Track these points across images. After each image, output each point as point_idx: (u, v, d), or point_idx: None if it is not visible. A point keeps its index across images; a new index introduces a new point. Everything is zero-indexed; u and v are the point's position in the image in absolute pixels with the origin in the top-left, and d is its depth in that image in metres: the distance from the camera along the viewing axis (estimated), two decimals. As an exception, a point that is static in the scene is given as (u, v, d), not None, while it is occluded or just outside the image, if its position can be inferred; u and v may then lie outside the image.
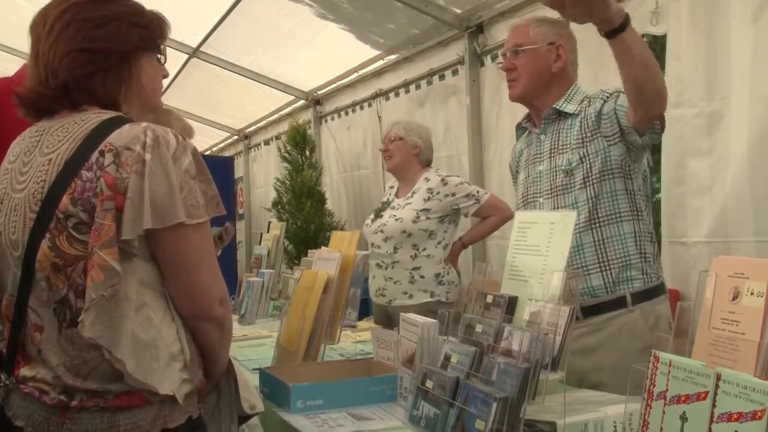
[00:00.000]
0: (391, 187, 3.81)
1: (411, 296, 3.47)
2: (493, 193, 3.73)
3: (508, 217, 3.55)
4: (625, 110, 2.08)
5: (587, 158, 2.20)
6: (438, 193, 3.50)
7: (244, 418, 1.64)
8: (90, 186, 1.34)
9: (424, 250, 3.47)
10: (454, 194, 3.50)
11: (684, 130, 2.90)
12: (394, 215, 3.53)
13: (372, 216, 3.72)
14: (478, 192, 3.55)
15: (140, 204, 1.32)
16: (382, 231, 3.53)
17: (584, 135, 2.22)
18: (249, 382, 1.68)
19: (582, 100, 2.29)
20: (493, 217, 3.58)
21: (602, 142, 2.18)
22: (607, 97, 2.19)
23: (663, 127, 2.11)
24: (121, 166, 1.34)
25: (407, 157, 3.68)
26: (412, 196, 3.56)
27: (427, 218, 3.46)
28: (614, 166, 2.18)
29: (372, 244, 3.57)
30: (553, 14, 2.22)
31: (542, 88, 2.32)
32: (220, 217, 1.50)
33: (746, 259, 1.29)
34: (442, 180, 3.54)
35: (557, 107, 2.30)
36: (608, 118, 2.16)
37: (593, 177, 2.19)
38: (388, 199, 3.73)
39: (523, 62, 2.30)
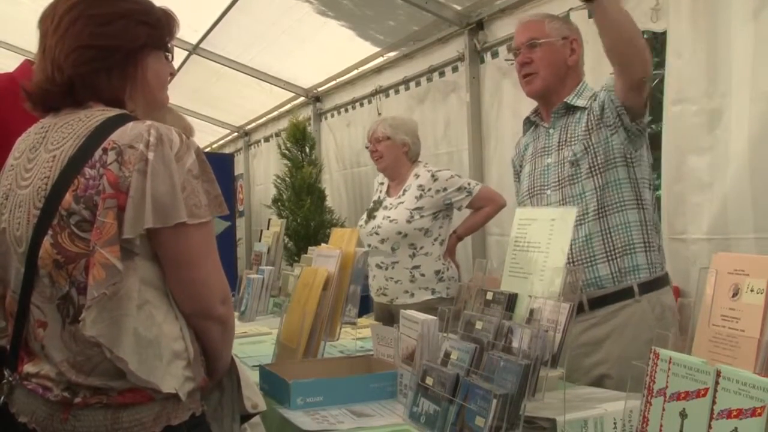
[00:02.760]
0: (381, 184, 3.75)
1: (412, 295, 3.45)
2: (490, 185, 3.73)
3: (501, 206, 3.55)
4: (614, 90, 2.14)
5: (591, 148, 2.23)
6: (429, 189, 3.45)
7: (245, 417, 1.65)
8: (93, 183, 1.34)
9: (421, 248, 3.44)
10: (445, 189, 3.45)
11: (684, 126, 2.90)
12: (388, 216, 3.48)
13: (365, 217, 3.66)
14: (469, 184, 3.50)
15: (142, 203, 1.32)
16: (377, 233, 3.49)
17: (590, 127, 2.25)
18: (251, 381, 1.68)
19: (591, 95, 2.33)
20: (486, 208, 3.54)
21: (605, 132, 2.22)
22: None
23: (643, 114, 2.18)
24: (123, 164, 1.34)
25: (397, 156, 3.62)
26: (403, 194, 3.52)
27: (421, 216, 3.43)
28: (617, 154, 2.21)
29: (368, 245, 3.54)
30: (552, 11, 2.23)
31: (559, 81, 2.35)
32: (223, 215, 1.50)
33: (746, 255, 1.30)
34: (432, 175, 3.48)
35: (568, 101, 2.33)
36: (607, 106, 2.19)
37: (598, 166, 2.22)
38: (379, 197, 3.68)
39: (541, 55, 2.32)
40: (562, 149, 2.31)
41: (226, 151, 9.11)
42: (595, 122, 2.23)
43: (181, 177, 1.35)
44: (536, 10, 3.59)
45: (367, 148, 3.79)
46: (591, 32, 3.31)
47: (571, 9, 3.41)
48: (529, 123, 2.53)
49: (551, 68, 2.32)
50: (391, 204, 3.55)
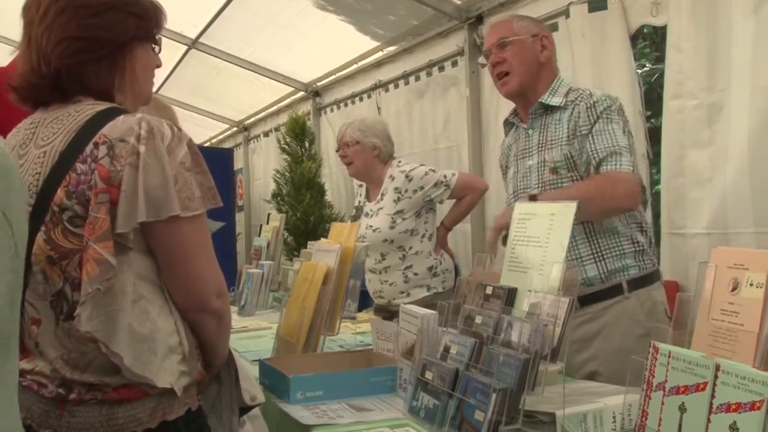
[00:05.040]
0: (360, 186, 3.70)
1: (408, 294, 3.41)
2: (489, 182, 3.70)
3: (483, 191, 3.54)
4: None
5: (572, 158, 2.22)
6: (406, 191, 3.38)
7: (244, 410, 1.65)
8: (84, 179, 1.33)
9: (410, 248, 3.39)
10: (422, 187, 3.37)
11: (684, 121, 2.90)
12: (371, 225, 3.42)
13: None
14: (445, 177, 3.40)
15: (135, 197, 1.31)
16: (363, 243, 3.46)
17: (571, 133, 2.23)
18: (250, 374, 1.68)
19: (567, 92, 2.31)
20: (467, 197, 3.49)
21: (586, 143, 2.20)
22: (597, 118, 2.20)
23: None
24: (115, 158, 1.33)
25: (368, 159, 3.51)
26: (381, 199, 3.45)
27: (403, 219, 3.37)
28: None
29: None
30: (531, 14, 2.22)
31: (534, 78, 2.33)
32: (219, 209, 1.49)
33: (746, 250, 1.30)
34: (406, 176, 3.39)
35: (543, 101, 2.31)
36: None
37: (580, 177, 2.21)
38: (359, 203, 3.63)
39: (512, 54, 2.31)
40: (542, 151, 2.30)
41: (226, 145, 9.09)
42: (577, 132, 2.21)
43: (173, 170, 1.34)
44: (534, 5, 3.59)
45: (337, 152, 3.71)
46: (590, 28, 3.34)
47: (570, 3, 3.41)
48: (509, 124, 2.52)
49: (524, 66, 2.31)
50: (371, 210, 3.48)
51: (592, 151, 2.18)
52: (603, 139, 2.17)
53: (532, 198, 2.08)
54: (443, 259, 3.49)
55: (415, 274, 3.42)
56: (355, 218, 3.58)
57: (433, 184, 3.39)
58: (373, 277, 3.51)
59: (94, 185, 1.32)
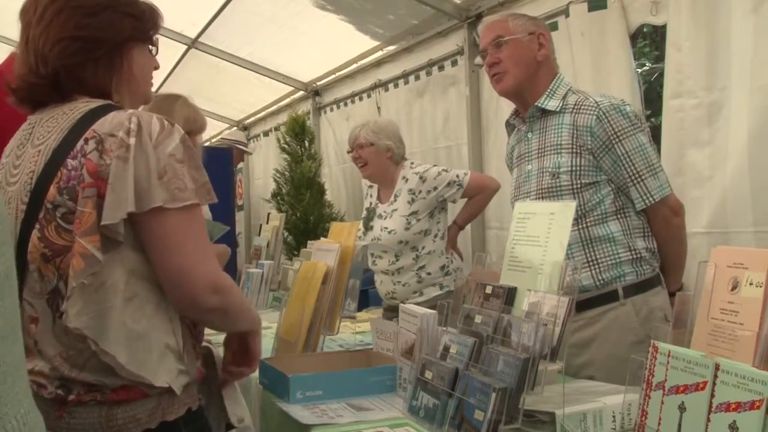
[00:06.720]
0: (370, 187, 3.71)
1: (421, 294, 3.42)
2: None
3: (495, 190, 3.54)
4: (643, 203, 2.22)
5: (579, 169, 2.19)
6: (420, 192, 3.40)
7: (230, 425, 1.64)
8: (74, 174, 1.34)
9: (423, 248, 3.41)
10: (435, 188, 3.39)
11: (684, 120, 2.90)
12: (386, 227, 3.43)
13: (362, 228, 3.59)
14: (458, 176, 3.43)
15: (123, 188, 1.31)
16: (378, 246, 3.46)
17: (576, 143, 2.20)
18: (240, 395, 1.68)
19: (565, 94, 2.28)
20: (479, 195, 3.51)
21: (593, 160, 2.19)
22: (617, 135, 2.16)
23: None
24: (104, 152, 1.33)
25: (381, 161, 3.54)
26: (395, 200, 3.46)
27: (418, 220, 3.38)
28: (603, 177, 2.19)
29: (372, 254, 3.52)
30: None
31: (530, 78, 2.30)
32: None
33: (745, 249, 1.30)
34: (420, 177, 3.41)
35: (540, 105, 2.28)
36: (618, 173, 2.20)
37: (581, 186, 2.19)
38: (371, 204, 3.64)
39: (508, 53, 2.28)
40: (542, 157, 2.27)
41: (226, 145, 9.10)
42: (582, 145, 2.18)
43: (161, 162, 1.34)
44: (533, 4, 3.59)
45: (349, 153, 3.72)
46: (589, 27, 3.34)
47: (570, 2, 3.41)
48: (510, 126, 2.50)
49: (520, 65, 2.27)
50: (385, 212, 3.49)
51: (630, 176, 2.18)
52: (636, 162, 2.17)
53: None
54: (454, 258, 3.51)
55: (428, 273, 3.43)
56: (368, 221, 3.58)
57: (447, 184, 3.41)
58: (385, 278, 3.51)
59: (82, 180, 1.32)
